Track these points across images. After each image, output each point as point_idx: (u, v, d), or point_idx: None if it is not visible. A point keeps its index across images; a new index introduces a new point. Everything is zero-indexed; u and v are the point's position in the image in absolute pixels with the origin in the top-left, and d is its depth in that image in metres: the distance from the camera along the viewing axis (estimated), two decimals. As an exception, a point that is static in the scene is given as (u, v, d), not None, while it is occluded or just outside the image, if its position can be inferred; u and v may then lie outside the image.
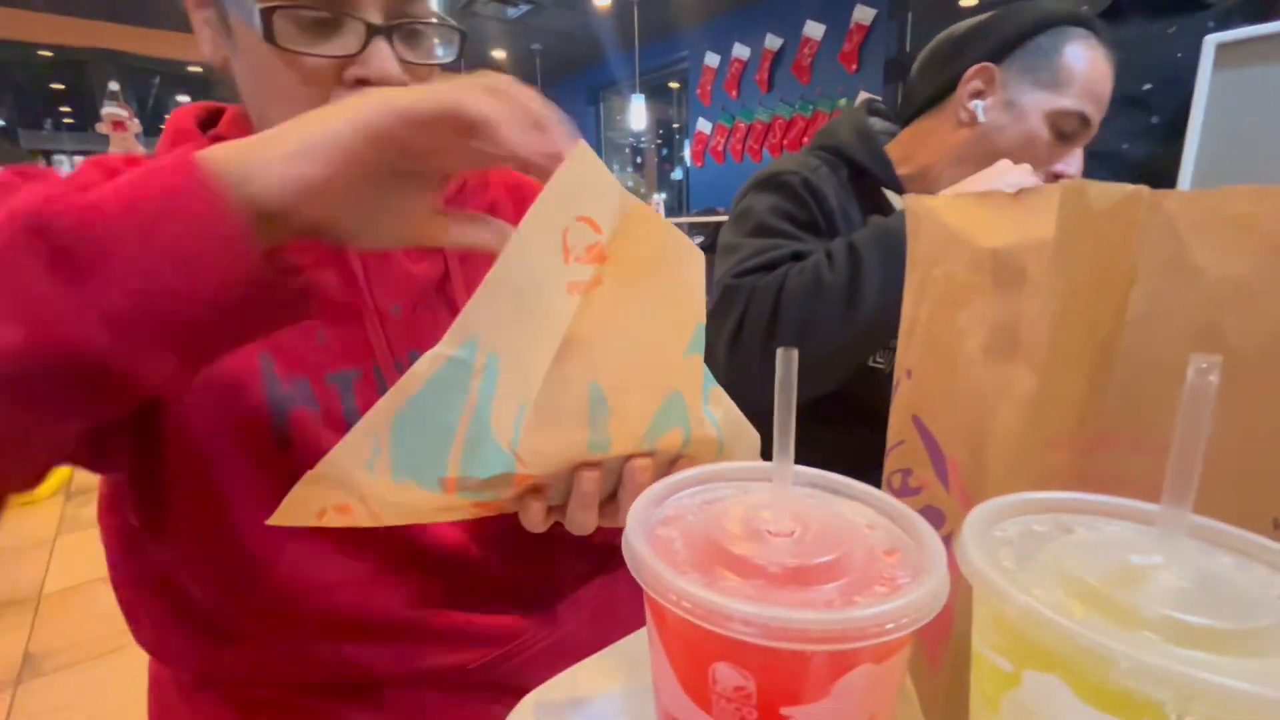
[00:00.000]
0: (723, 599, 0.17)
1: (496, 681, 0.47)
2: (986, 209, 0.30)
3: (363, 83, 0.40)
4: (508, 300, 0.26)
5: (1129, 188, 0.26)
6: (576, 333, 0.28)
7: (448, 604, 0.46)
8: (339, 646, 0.43)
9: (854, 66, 4.29)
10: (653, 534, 0.22)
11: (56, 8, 4.72)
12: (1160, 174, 1.77)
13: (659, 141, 7.59)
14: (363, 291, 0.45)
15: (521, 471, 0.29)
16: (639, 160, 7.84)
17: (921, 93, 0.84)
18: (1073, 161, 0.77)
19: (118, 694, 1.32)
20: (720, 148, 5.38)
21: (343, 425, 0.44)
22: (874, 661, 0.18)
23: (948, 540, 0.35)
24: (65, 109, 5.82)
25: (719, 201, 5.26)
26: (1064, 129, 0.75)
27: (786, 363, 0.21)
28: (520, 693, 0.36)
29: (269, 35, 0.38)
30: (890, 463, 0.41)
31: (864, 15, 4.17)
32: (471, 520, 0.45)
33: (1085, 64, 0.74)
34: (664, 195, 6.84)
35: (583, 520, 0.34)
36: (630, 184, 7.71)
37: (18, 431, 0.25)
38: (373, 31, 0.39)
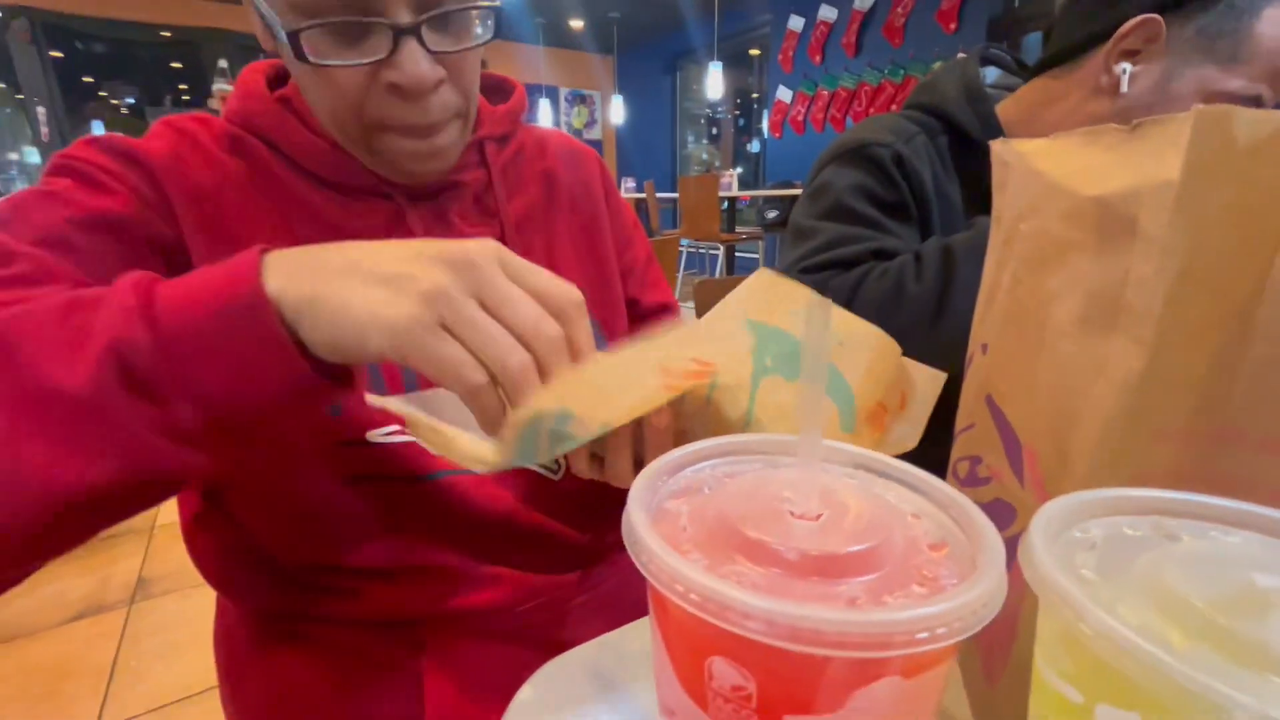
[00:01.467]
0: (722, 586, 0.15)
1: (534, 633, 0.47)
2: (1094, 149, 0.25)
3: (395, 87, 0.39)
4: (584, 385, 0.26)
5: (1289, 116, 0.20)
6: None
7: (494, 559, 0.47)
8: (385, 588, 0.45)
9: (953, 25, 3.95)
10: (659, 507, 0.19)
11: (175, -11, 5.09)
12: None
13: (736, 112, 7.35)
14: None
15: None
16: (715, 131, 7.64)
17: (1062, 37, 0.67)
18: None
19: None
20: (800, 117, 5.14)
21: (399, 382, 0.45)
22: (903, 675, 0.15)
23: (1016, 540, 0.30)
24: (182, 86, 6.30)
25: (796, 174, 5.04)
26: None
27: (819, 316, 0.18)
28: (554, 647, 0.35)
29: (299, 55, 0.38)
30: (957, 448, 0.37)
31: (968, -32, 3.82)
32: (523, 484, 0.47)
33: None
34: (739, 169, 6.64)
35: (623, 470, 0.32)
36: (705, 156, 7.54)
37: (77, 536, 0.27)
38: (400, 33, 0.38)
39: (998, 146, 0.31)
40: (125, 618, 1.49)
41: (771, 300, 0.30)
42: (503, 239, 0.49)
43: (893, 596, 0.16)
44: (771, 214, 4.55)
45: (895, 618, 0.14)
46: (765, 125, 5.55)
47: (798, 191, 5.28)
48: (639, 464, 0.32)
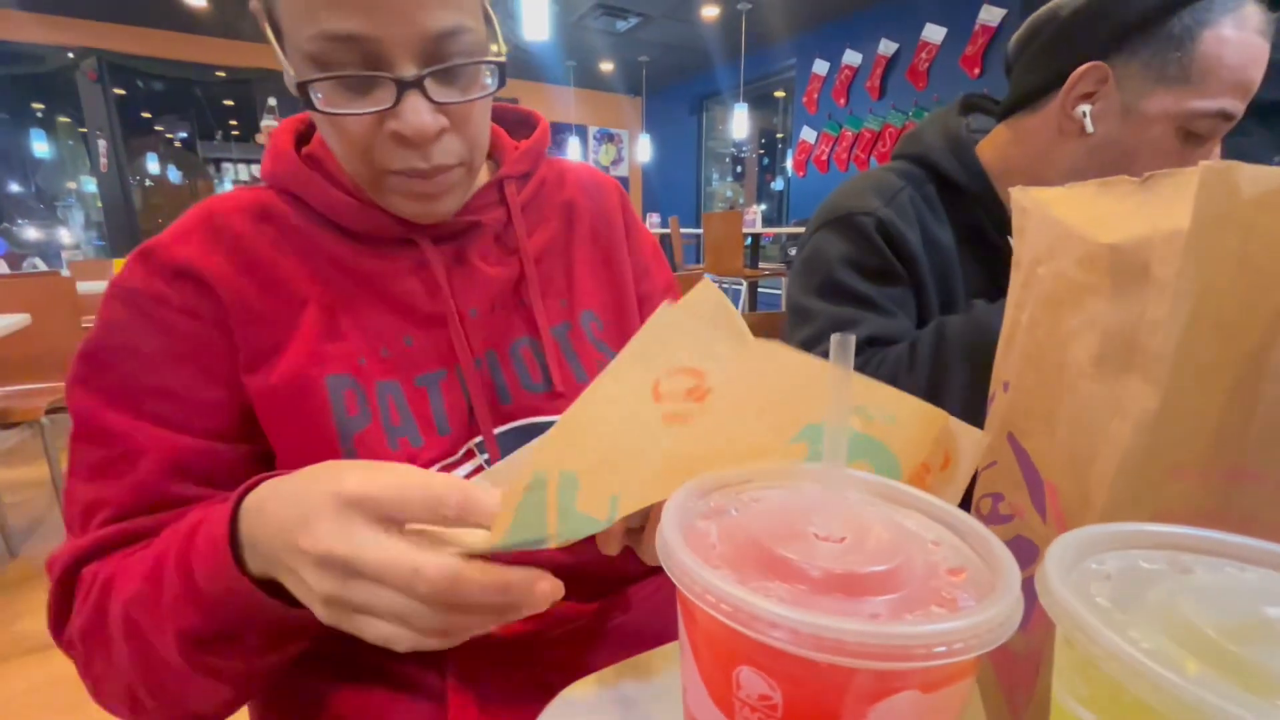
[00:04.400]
0: (752, 597, 0.16)
1: (556, 658, 0.47)
2: (1107, 199, 0.27)
3: (399, 135, 0.42)
4: (590, 438, 0.26)
5: (1292, 171, 0.21)
6: (675, 450, 0.27)
7: None
8: None
9: (977, 71, 4.01)
10: (690, 526, 0.21)
11: (230, 33, 5.42)
12: None
13: (760, 151, 7.49)
14: (446, 298, 0.47)
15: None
16: (739, 169, 7.77)
17: (1019, 83, 0.70)
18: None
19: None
20: (824, 157, 5.21)
21: (431, 425, 0.46)
22: (922, 689, 0.16)
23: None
24: (233, 122, 6.65)
25: (820, 212, 5.08)
26: (1198, 130, 0.60)
27: (842, 351, 0.19)
28: (576, 671, 0.35)
29: (309, 104, 0.41)
30: (980, 485, 0.37)
31: (991, 16, 3.89)
32: None
33: (1231, 48, 0.57)
34: (763, 206, 6.72)
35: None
36: (729, 193, 7.65)
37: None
38: (404, 86, 0.40)
39: (1017, 194, 0.33)
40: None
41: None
42: (521, 275, 0.51)
43: (912, 615, 0.17)
44: (794, 250, 4.59)
45: (914, 631, 0.15)
46: (789, 164, 5.64)
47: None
48: None
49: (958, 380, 0.60)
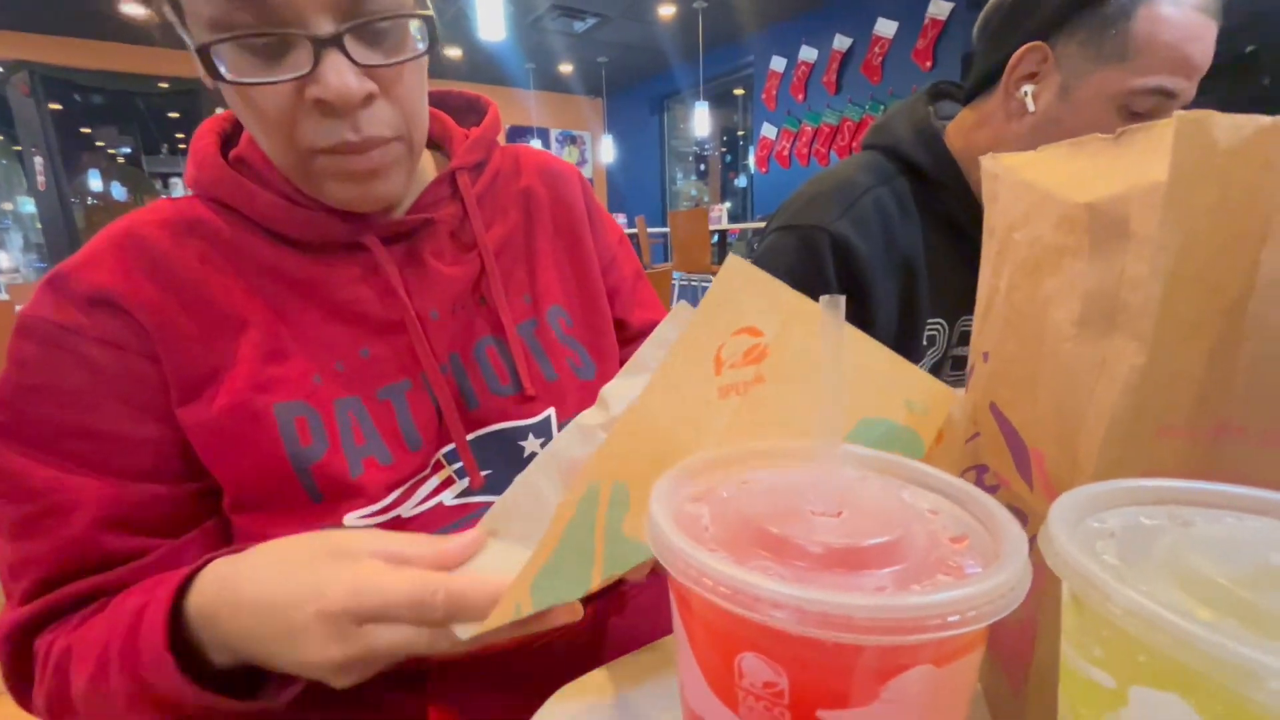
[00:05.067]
0: (752, 577, 0.15)
1: (539, 670, 0.46)
2: (1080, 158, 0.26)
3: (321, 103, 0.37)
4: (644, 441, 0.24)
5: (1266, 119, 0.21)
6: (730, 433, 0.25)
7: None
8: None
9: (929, 64, 4.11)
10: (679, 510, 0.20)
11: (172, 43, 5.23)
12: None
13: (723, 149, 7.54)
14: (403, 302, 0.44)
15: None
16: (703, 168, 7.81)
17: (976, 68, 0.72)
18: None
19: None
20: (786, 152, 5.28)
21: (400, 440, 0.43)
22: (935, 663, 0.15)
23: (1031, 543, 0.30)
24: (179, 135, 6.42)
25: (784, 207, 5.14)
26: (1138, 109, 0.62)
27: (833, 313, 0.18)
28: (560, 681, 0.34)
29: (212, 71, 0.37)
30: (964, 458, 0.37)
31: (940, 10, 3.99)
32: None
33: (1166, 25, 0.59)
34: (728, 204, 6.77)
35: None
36: (694, 192, 7.69)
37: None
38: (320, 45, 0.36)
39: (987, 161, 0.33)
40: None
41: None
42: (482, 271, 0.48)
43: (920, 585, 0.16)
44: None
45: (927, 600, 0.14)
46: (752, 161, 5.69)
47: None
48: None
49: None
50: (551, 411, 0.49)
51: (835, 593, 0.14)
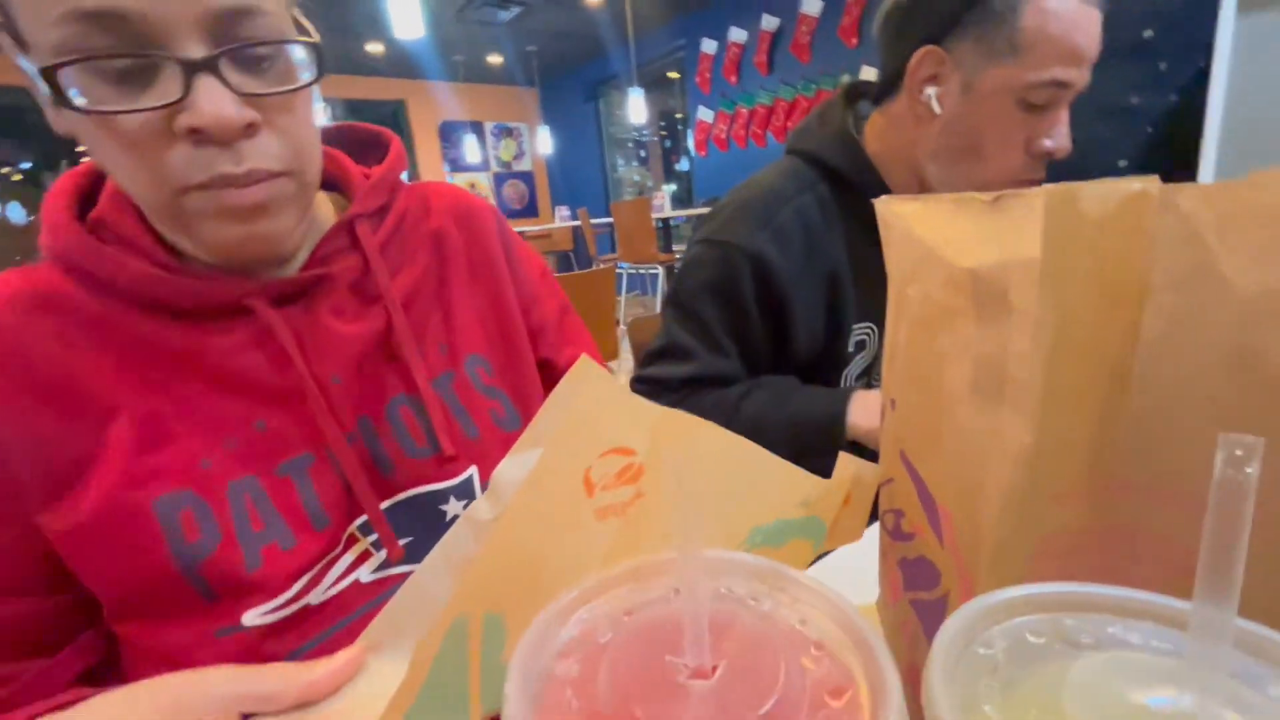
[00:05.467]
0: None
1: None
2: (962, 218, 0.25)
3: (195, 131, 0.33)
4: (515, 569, 0.23)
5: (1131, 186, 0.21)
6: (613, 554, 0.24)
7: None
8: None
9: (854, 41, 4.16)
10: (548, 675, 0.18)
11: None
12: (1183, 126, 1.66)
13: (662, 133, 7.50)
14: (300, 369, 0.40)
15: None
16: (643, 154, 7.76)
17: (883, 69, 0.72)
18: (1058, 133, 0.65)
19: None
20: (724, 135, 5.28)
21: (304, 520, 0.40)
22: None
23: (941, 605, 0.30)
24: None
25: (725, 190, 5.16)
26: (1036, 100, 0.62)
27: (675, 439, 0.16)
28: None
29: (66, 103, 0.32)
30: (883, 500, 0.37)
31: (862, -14, 4.04)
32: None
33: (1052, 18, 0.60)
34: (672, 187, 6.76)
35: None
36: (636, 177, 7.64)
37: None
38: (192, 70, 0.33)
39: (880, 206, 0.31)
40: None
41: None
42: (389, 325, 0.44)
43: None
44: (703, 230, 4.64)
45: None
46: (691, 144, 5.68)
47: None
48: None
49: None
50: (474, 470, 0.46)
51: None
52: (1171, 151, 1.72)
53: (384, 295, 0.45)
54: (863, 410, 0.64)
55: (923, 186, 0.72)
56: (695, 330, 0.73)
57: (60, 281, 0.38)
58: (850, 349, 0.73)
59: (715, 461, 0.25)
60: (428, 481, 0.44)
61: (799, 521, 0.27)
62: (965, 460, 0.26)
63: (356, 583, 0.42)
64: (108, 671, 0.39)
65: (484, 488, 0.45)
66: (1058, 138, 0.65)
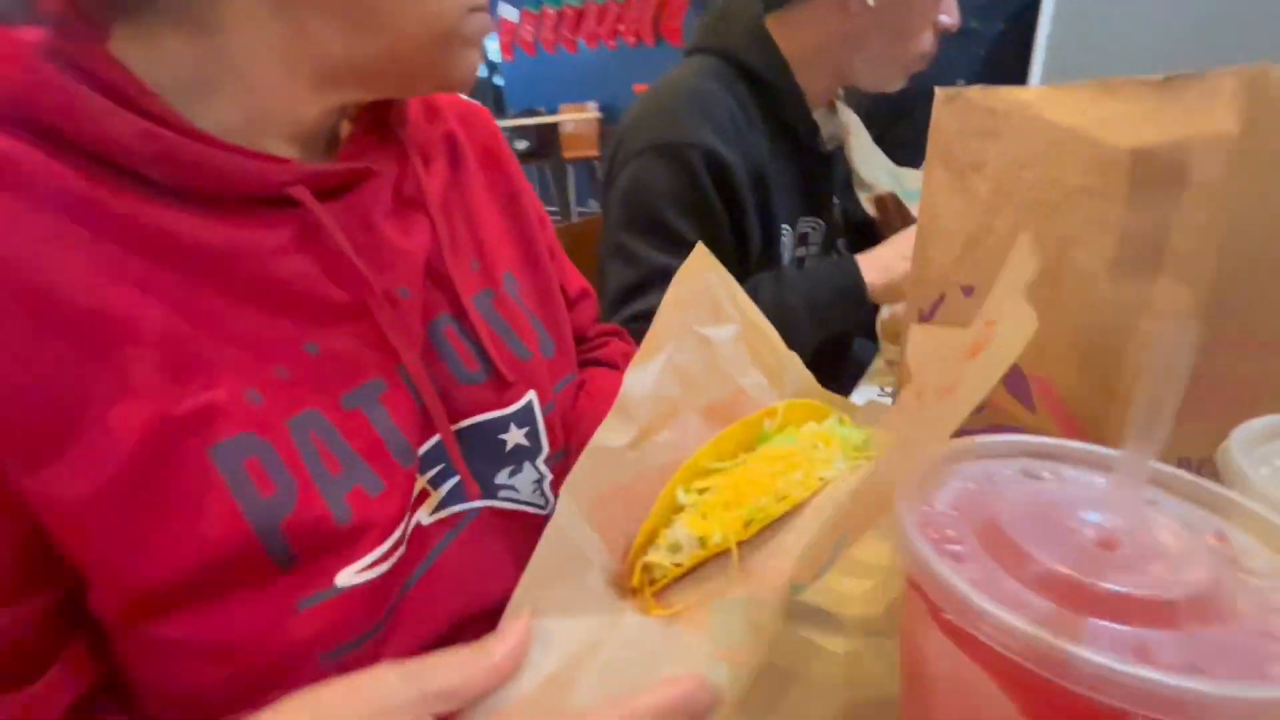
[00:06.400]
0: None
1: None
2: (1115, 101, 0.27)
3: None
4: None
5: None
6: None
7: None
8: None
9: (666, -58, 4.05)
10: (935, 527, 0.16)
11: None
12: (1014, 49, 1.96)
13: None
14: (365, 278, 0.31)
15: None
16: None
17: None
18: (949, 7, 0.69)
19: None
20: (530, 38, 4.91)
21: (388, 457, 0.32)
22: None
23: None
24: None
25: (539, 100, 4.87)
26: None
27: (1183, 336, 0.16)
28: None
29: None
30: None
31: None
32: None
33: None
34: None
35: None
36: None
37: None
38: None
39: (981, 95, 0.32)
40: None
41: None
42: (435, 240, 0.37)
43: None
44: (522, 145, 4.36)
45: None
46: (496, 47, 5.19)
47: (545, 120, 4.95)
48: None
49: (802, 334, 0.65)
50: (532, 395, 0.41)
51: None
52: (1003, 71, 2.03)
53: (427, 200, 0.37)
54: (874, 270, 0.67)
55: (839, 85, 0.74)
56: (668, 247, 0.68)
57: (24, 150, 0.24)
58: (779, 250, 0.76)
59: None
60: (485, 409, 0.38)
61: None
62: (1097, 330, 0.29)
63: (419, 526, 0.35)
64: (108, 701, 0.29)
65: (543, 412, 0.40)
66: (951, 12, 0.69)
